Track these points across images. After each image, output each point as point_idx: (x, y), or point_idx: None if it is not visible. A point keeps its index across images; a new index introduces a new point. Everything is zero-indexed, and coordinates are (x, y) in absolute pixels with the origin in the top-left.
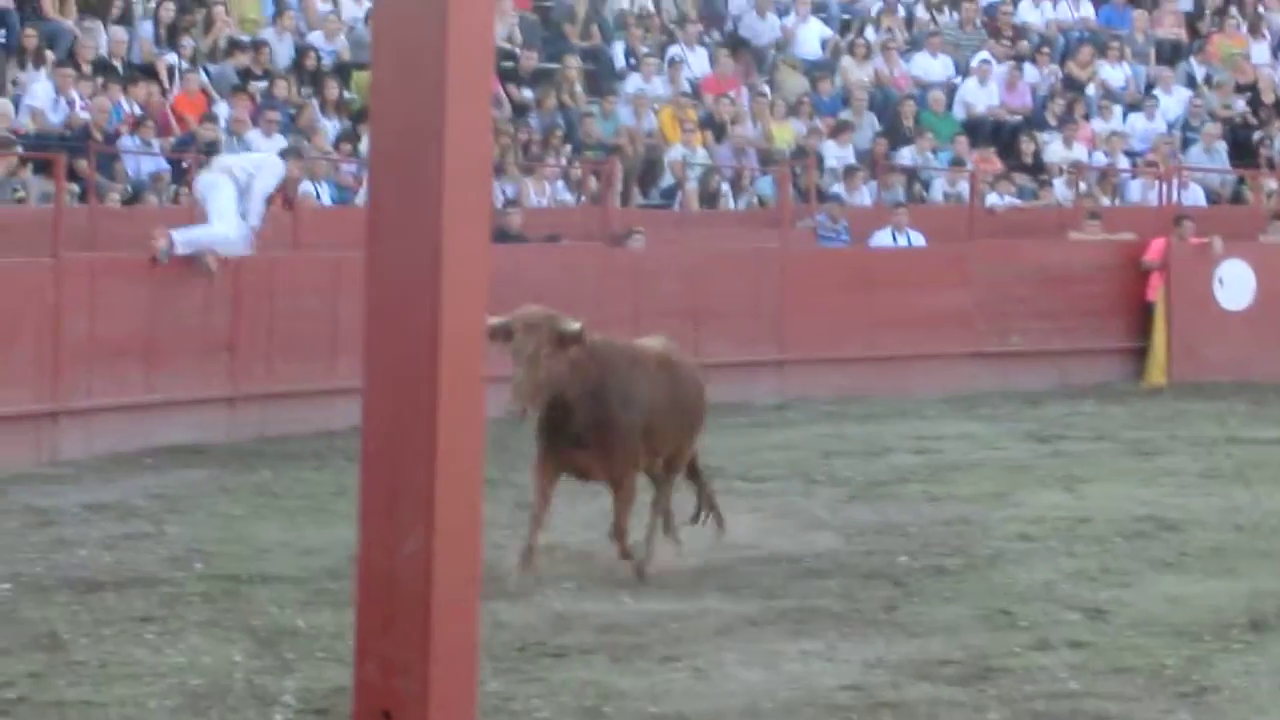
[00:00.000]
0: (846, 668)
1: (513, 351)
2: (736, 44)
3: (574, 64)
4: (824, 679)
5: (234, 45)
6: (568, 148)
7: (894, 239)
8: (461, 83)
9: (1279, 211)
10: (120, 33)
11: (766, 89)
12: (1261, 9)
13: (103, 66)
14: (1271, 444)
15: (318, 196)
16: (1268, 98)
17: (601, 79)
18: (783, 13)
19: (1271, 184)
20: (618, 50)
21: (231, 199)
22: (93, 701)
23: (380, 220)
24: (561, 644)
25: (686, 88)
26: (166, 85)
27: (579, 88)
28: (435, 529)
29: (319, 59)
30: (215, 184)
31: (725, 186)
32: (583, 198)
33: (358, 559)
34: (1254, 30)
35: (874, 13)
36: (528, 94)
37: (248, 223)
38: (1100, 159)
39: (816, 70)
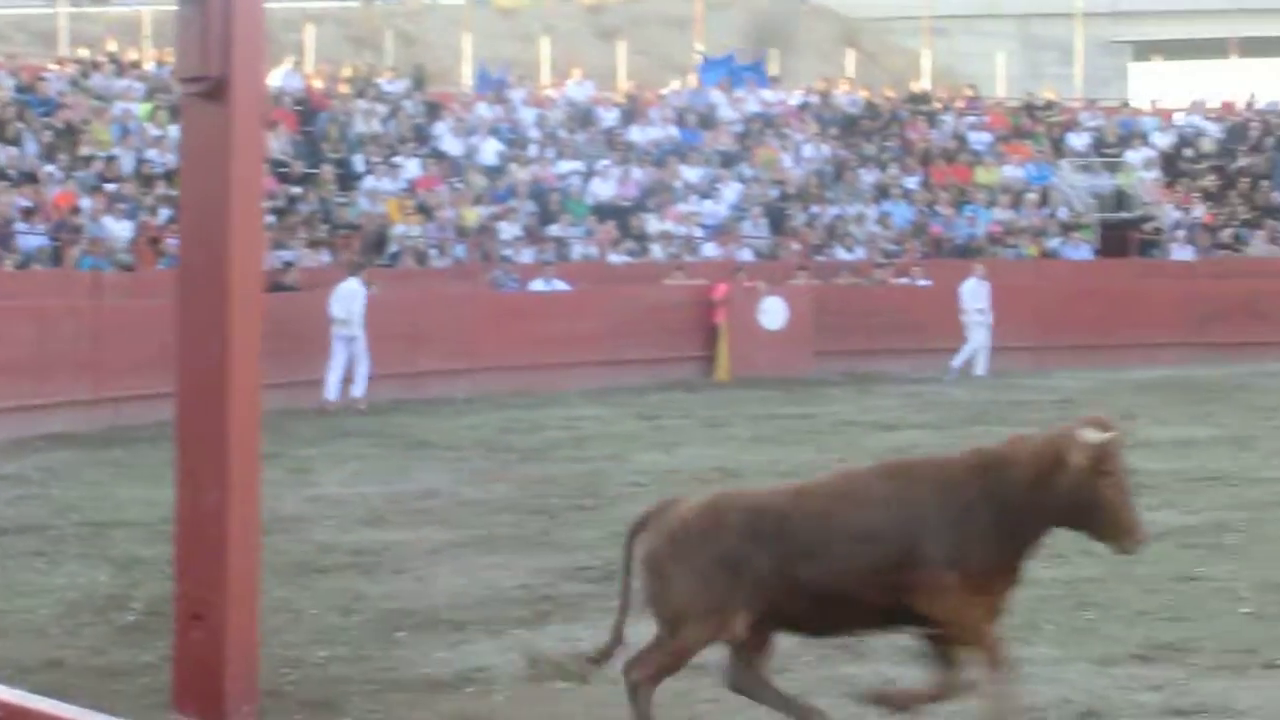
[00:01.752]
0: (520, 574)
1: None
2: (439, 155)
3: (329, 169)
4: (504, 582)
5: (93, 158)
6: (326, 226)
7: (547, 285)
8: (241, 193)
9: (802, 264)
10: (14, 150)
11: (460, 185)
12: (787, 130)
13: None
14: (798, 418)
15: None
16: (790, 189)
17: (348, 179)
18: (470, 133)
19: (795, 245)
20: (359, 160)
21: None
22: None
23: (188, 277)
24: (324, 564)
25: (405, 185)
26: (46, 187)
27: (333, 185)
28: (227, 488)
29: (153, 168)
30: None
31: (433, 252)
32: (338, 260)
33: (175, 510)
34: (785, 144)
35: (531, 134)
36: (297, 189)
37: None
38: (684, 231)
39: (493, 173)
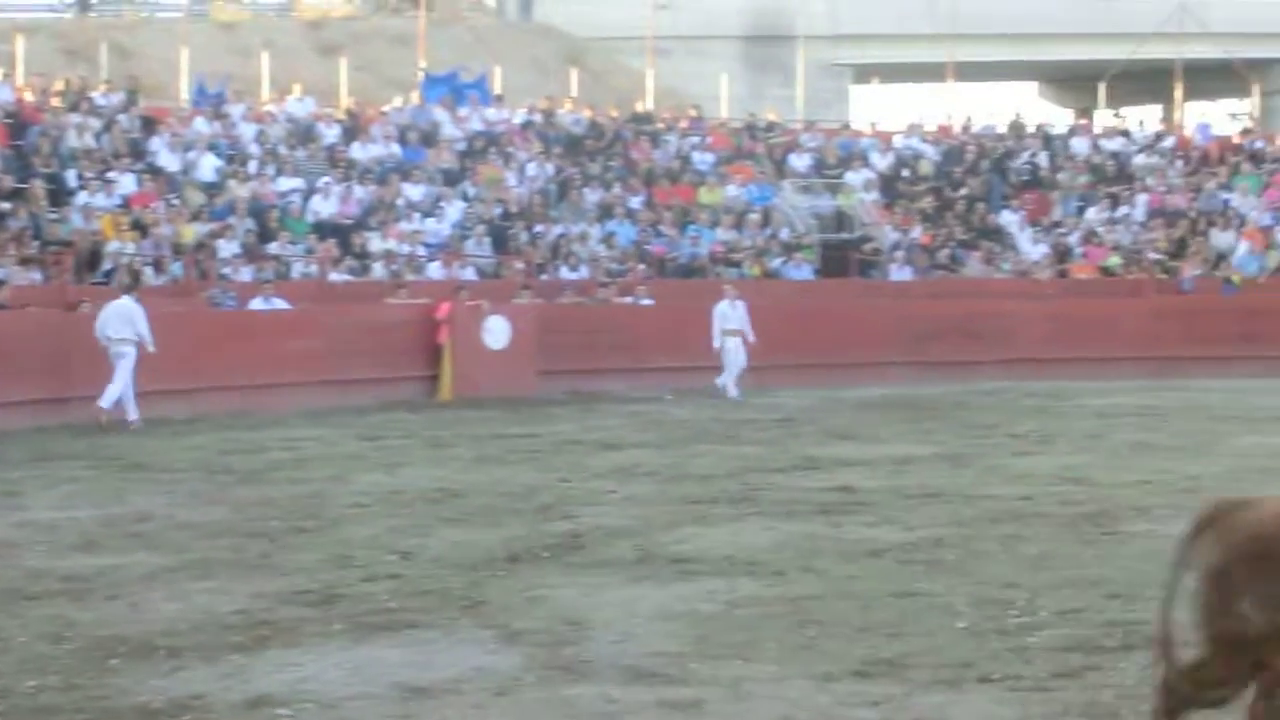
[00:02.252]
0: (237, 598)
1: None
2: (155, 171)
3: (39, 185)
4: (221, 607)
5: None
6: (37, 243)
7: (266, 304)
8: None
9: (526, 283)
10: None
11: (177, 202)
12: (510, 149)
13: None
14: (522, 438)
15: None
16: (514, 208)
17: (60, 195)
18: (187, 148)
19: (519, 264)
20: (71, 175)
21: None
22: None
23: None
24: (34, 590)
25: (120, 201)
26: None
27: (44, 201)
28: None
29: None
30: None
31: (149, 270)
32: (49, 278)
33: None
34: (508, 162)
35: (251, 150)
36: (6, 205)
37: None
38: (407, 249)
39: (211, 189)
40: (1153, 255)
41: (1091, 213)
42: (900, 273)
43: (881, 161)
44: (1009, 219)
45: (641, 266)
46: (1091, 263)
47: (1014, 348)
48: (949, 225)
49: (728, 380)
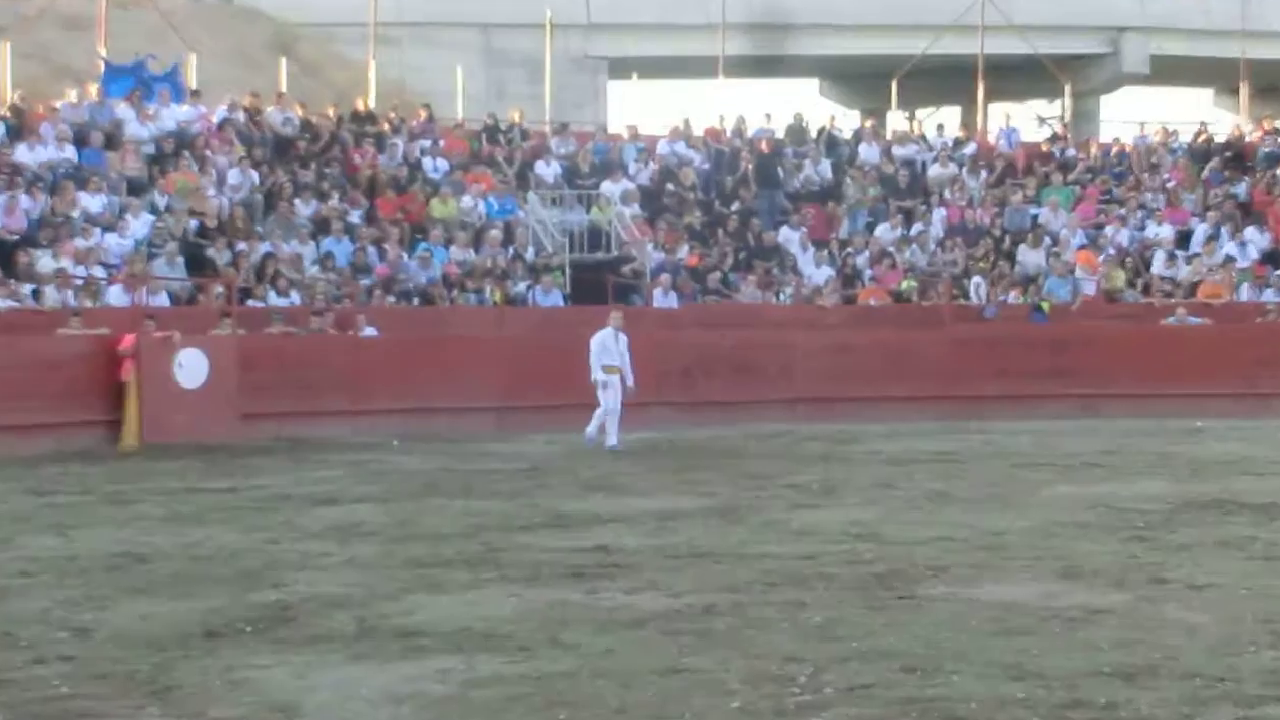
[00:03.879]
0: None
1: None
2: None
3: None
4: None
5: None
6: None
7: None
8: None
9: (225, 310)
10: None
11: None
12: (208, 152)
13: None
14: (221, 492)
15: None
16: (211, 222)
17: None
18: None
19: (218, 289)
20: None
21: None
22: None
23: None
24: None
25: None
26: None
27: None
28: None
29: None
30: None
31: None
32: None
33: None
34: (205, 168)
35: None
36: None
37: None
38: (83, 270)
39: None
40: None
41: (882, 229)
42: (665, 299)
43: (642, 170)
44: (789, 236)
45: (364, 291)
46: (883, 287)
47: (795, 385)
48: (720, 244)
49: (608, 426)
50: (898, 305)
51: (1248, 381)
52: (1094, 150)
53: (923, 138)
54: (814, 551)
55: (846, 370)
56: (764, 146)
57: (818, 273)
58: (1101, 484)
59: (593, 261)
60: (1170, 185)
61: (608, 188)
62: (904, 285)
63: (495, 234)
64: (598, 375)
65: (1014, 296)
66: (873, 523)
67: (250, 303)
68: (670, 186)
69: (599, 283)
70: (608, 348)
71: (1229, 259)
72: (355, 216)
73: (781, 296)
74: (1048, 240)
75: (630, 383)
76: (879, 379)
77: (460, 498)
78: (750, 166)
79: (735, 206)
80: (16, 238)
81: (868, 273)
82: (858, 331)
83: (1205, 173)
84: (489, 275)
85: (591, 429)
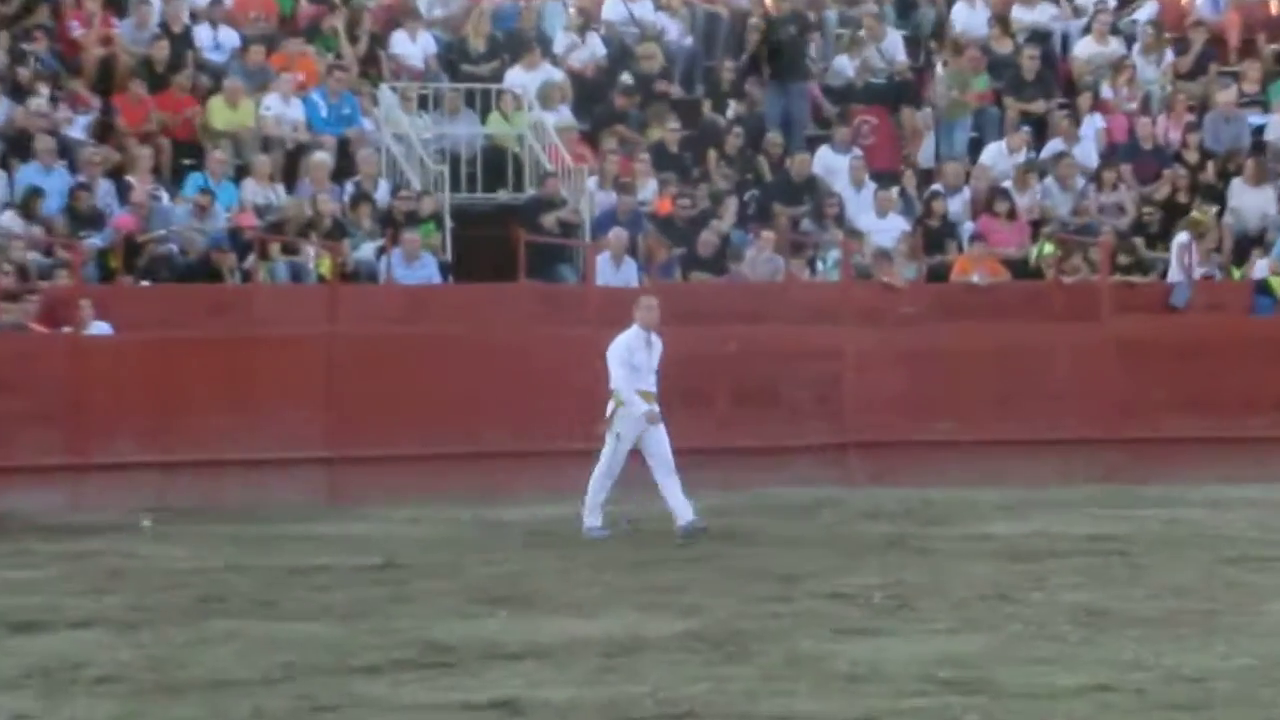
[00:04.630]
0: None
1: None
2: None
3: None
4: None
5: None
6: None
7: None
8: None
9: None
10: None
11: None
12: None
13: None
14: None
15: None
16: None
17: None
18: None
19: None
20: None
21: None
22: None
23: None
24: None
25: None
26: None
27: None
28: None
29: None
30: None
31: None
32: None
33: None
34: None
35: None
36: None
37: None
38: None
39: None
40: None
41: (993, 152)
42: (618, 272)
43: (578, 49)
44: (831, 164)
45: (92, 256)
46: (994, 252)
47: (843, 420)
48: (714, 178)
49: (667, 490)
50: (1020, 284)
51: None
52: None
53: None
54: (875, 712)
55: (930, 395)
56: (779, 7)
57: (881, 227)
58: None
59: (492, 207)
60: None
61: (518, 79)
62: (1036, 250)
63: (322, 159)
64: (634, 407)
65: (1221, 269)
66: (977, 661)
67: None
68: (627, 77)
69: (502, 243)
70: (639, 362)
71: None
72: (77, 128)
73: (821, 268)
74: (1277, 167)
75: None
76: (986, 411)
77: (261, 618)
78: (761, 42)
79: (737, 111)
80: None
81: (968, 227)
82: (951, 330)
83: None
84: (311, 230)
85: (592, 514)
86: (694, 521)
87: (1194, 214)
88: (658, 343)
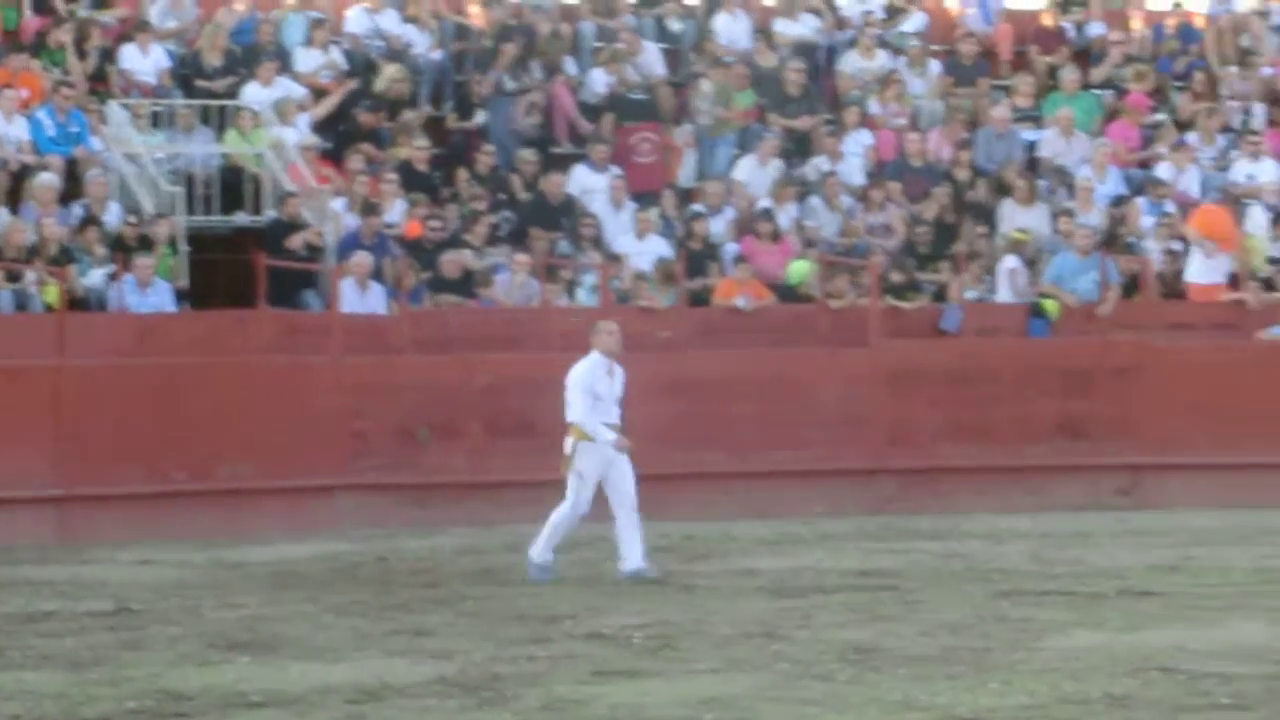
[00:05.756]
0: None
1: None
2: None
3: None
4: None
5: None
6: None
7: None
8: None
9: None
10: None
11: None
12: None
13: None
14: None
15: None
16: None
17: None
18: None
19: None
20: None
21: None
22: None
23: None
24: None
25: None
26: None
27: None
28: None
29: None
30: None
31: None
32: None
33: None
34: None
35: None
36: None
37: None
38: None
39: None
40: None
41: (750, 168)
42: (364, 298)
43: (319, 61)
44: (588, 184)
45: None
46: (758, 275)
47: None
48: (465, 199)
49: (624, 534)
50: (786, 308)
51: None
52: (1137, 26)
53: (830, 2)
54: None
55: (694, 425)
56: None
57: (641, 249)
58: (1155, 628)
59: (229, 229)
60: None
61: (256, 95)
62: (795, 271)
63: (48, 181)
64: (600, 437)
65: (994, 290)
66: (743, 701)
67: None
68: (372, 93)
69: (241, 268)
70: (601, 393)
71: None
72: None
73: (578, 294)
74: (1051, 185)
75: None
76: (753, 439)
77: None
78: (513, 52)
79: (487, 127)
80: None
81: (731, 249)
82: (714, 356)
83: None
84: (35, 256)
85: (544, 551)
86: (642, 570)
87: (1013, 233)
88: (619, 370)
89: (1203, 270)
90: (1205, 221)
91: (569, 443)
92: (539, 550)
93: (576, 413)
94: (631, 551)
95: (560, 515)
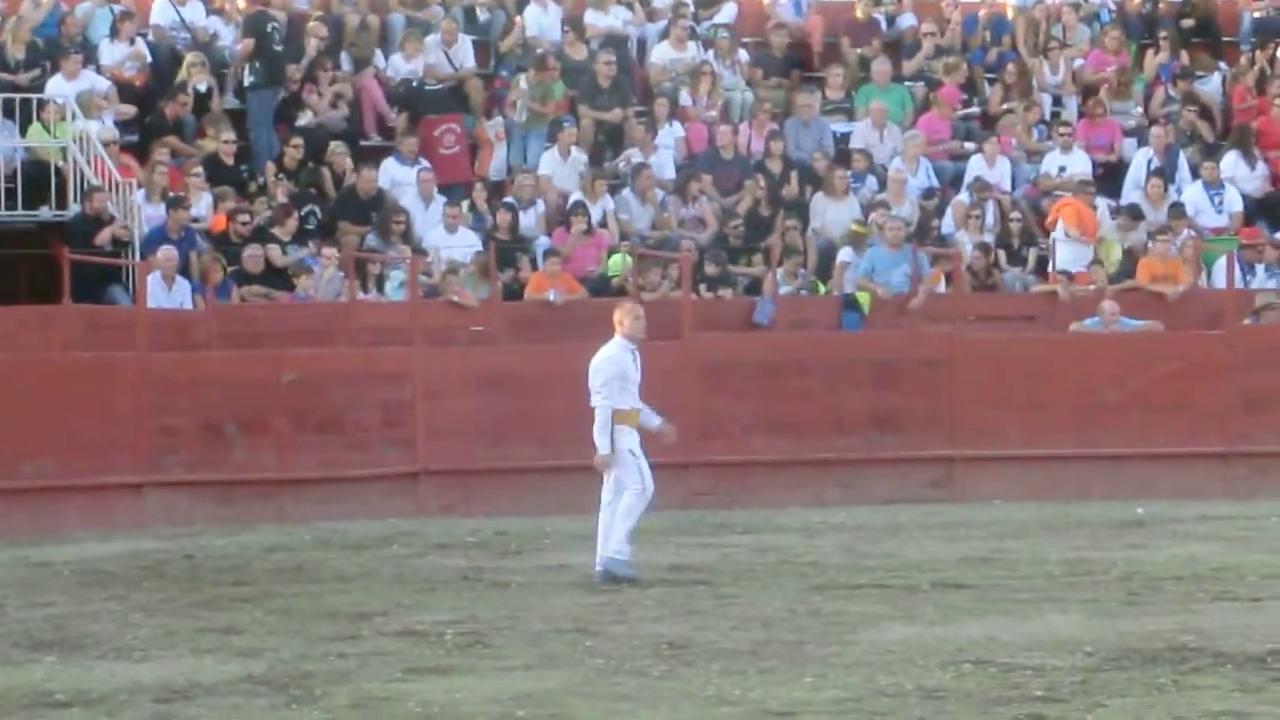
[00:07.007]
0: None
1: None
2: None
3: None
4: None
5: None
6: None
7: None
8: None
9: None
10: None
11: None
12: None
13: None
14: None
15: None
16: None
17: None
18: None
19: None
20: None
21: None
22: None
23: None
24: None
25: None
26: None
27: None
28: None
29: None
30: None
31: None
32: None
33: None
34: None
35: None
36: None
37: None
38: None
39: None
40: None
41: (554, 162)
42: (169, 294)
43: (123, 54)
44: (398, 177)
45: None
46: (570, 269)
47: (415, 449)
48: (272, 192)
49: (617, 526)
50: (598, 301)
51: (1229, 434)
52: (951, 18)
53: None
54: None
55: (506, 419)
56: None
57: (451, 243)
58: (968, 621)
59: (34, 224)
60: (1088, 81)
61: (60, 88)
62: (614, 264)
63: None
64: (602, 448)
65: (806, 284)
66: (556, 698)
67: None
68: (179, 86)
69: (46, 263)
70: (627, 379)
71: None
72: None
73: (387, 288)
74: (860, 178)
75: (658, 425)
76: (563, 435)
77: None
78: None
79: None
80: None
81: (543, 243)
82: (525, 350)
83: (1152, 59)
84: None
85: (621, 545)
86: (620, 563)
87: (853, 227)
88: (639, 356)
89: (1069, 261)
90: (1072, 213)
91: (604, 432)
92: (617, 546)
93: (603, 399)
94: (621, 538)
95: (631, 503)
